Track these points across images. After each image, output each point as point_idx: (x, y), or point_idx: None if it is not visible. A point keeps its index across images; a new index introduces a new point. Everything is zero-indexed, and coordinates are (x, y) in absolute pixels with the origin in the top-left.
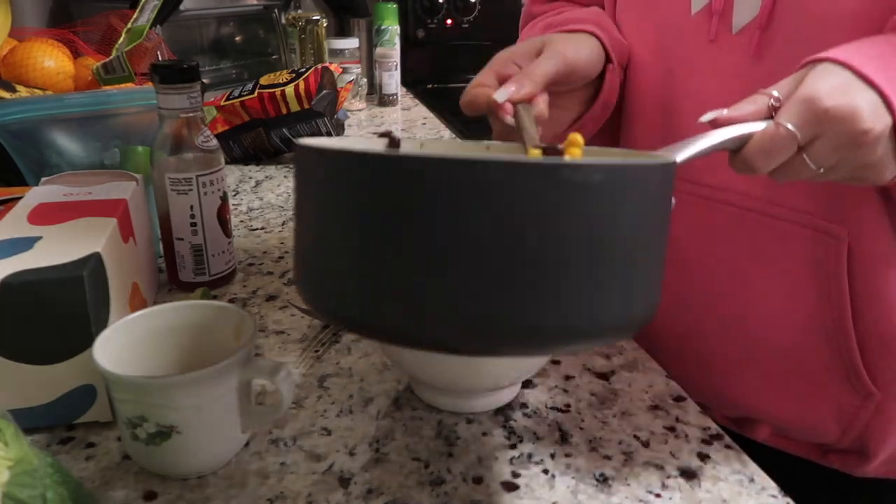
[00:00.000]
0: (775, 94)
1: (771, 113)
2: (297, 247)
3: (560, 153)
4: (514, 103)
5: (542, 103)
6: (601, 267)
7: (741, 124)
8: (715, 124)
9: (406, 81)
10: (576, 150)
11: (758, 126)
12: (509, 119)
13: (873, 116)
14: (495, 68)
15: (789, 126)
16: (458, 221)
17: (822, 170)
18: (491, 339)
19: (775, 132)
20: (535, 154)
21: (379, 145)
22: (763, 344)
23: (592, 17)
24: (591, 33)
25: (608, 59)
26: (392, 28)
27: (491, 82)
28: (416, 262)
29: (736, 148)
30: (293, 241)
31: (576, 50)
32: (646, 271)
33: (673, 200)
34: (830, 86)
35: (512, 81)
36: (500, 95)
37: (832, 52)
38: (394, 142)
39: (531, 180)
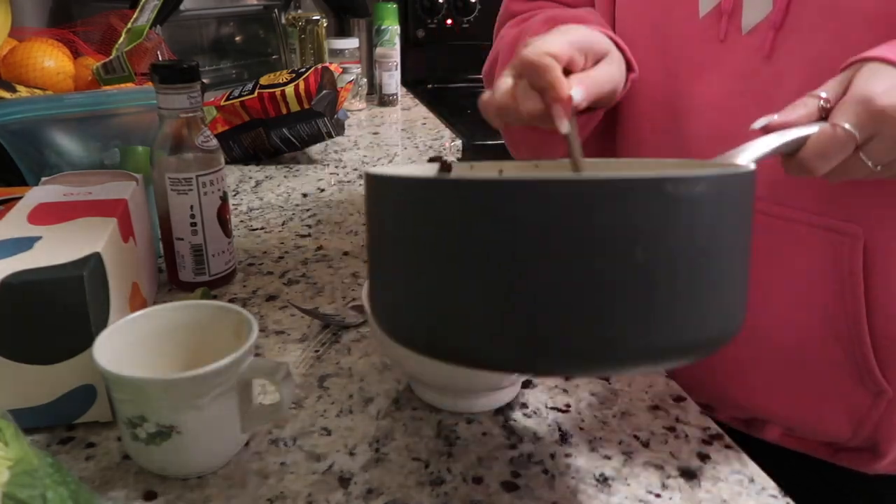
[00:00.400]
0: (823, 95)
1: (821, 115)
2: (387, 279)
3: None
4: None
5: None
6: (705, 277)
7: (795, 128)
8: (767, 130)
9: (406, 81)
10: None
11: (812, 128)
12: (566, 127)
13: None
14: (571, 49)
15: (846, 126)
16: (566, 243)
17: (879, 167)
18: (596, 361)
19: (833, 133)
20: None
21: (430, 170)
22: (773, 345)
23: (596, 19)
24: (619, 47)
25: (630, 69)
26: (392, 28)
27: (562, 58)
28: (524, 289)
29: (790, 151)
30: (380, 275)
31: (620, 72)
32: (738, 279)
33: None
34: (884, 85)
35: (582, 82)
36: (577, 94)
37: (877, 52)
38: (445, 166)
39: (635, 197)
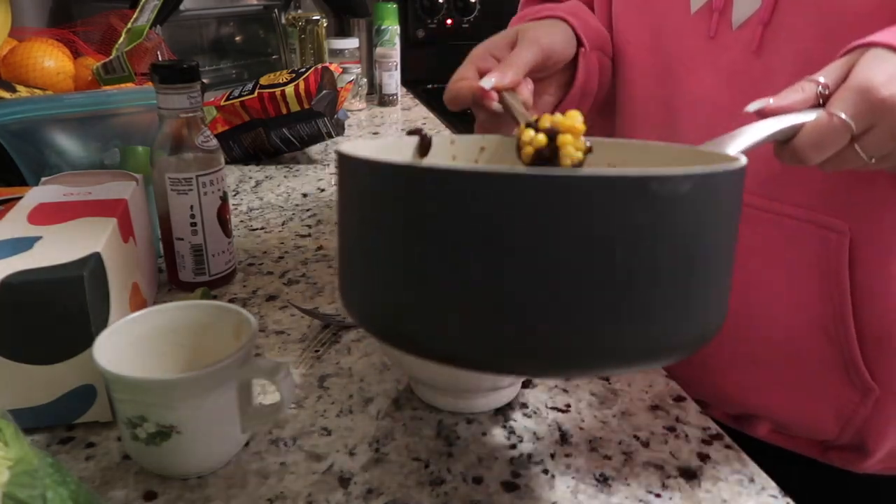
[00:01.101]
0: (822, 80)
1: (819, 100)
2: (359, 263)
3: (554, 131)
4: (500, 91)
5: (525, 91)
6: (687, 278)
7: (791, 114)
8: (762, 114)
9: (406, 81)
10: (568, 140)
11: (808, 116)
12: (496, 105)
13: None
14: (474, 62)
15: (843, 116)
16: (542, 241)
17: (873, 160)
18: (571, 363)
19: (829, 123)
20: (527, 133)
21: (409, 144)
22: (762, 341)
23: (566, 6)
24: (561, 18)
25: (580, 44)
26: (392, 28)
27: (472, 75)
28: (502, 287)
29: (784, 139)
30: (350, 258)
31: (549, 35)
32: (721, 279)
33: None
34: (886, 74)
35: (494, 71)
36: (486, 83)
37: (881, 37)
38: (425, 140)
39: (618, 194)
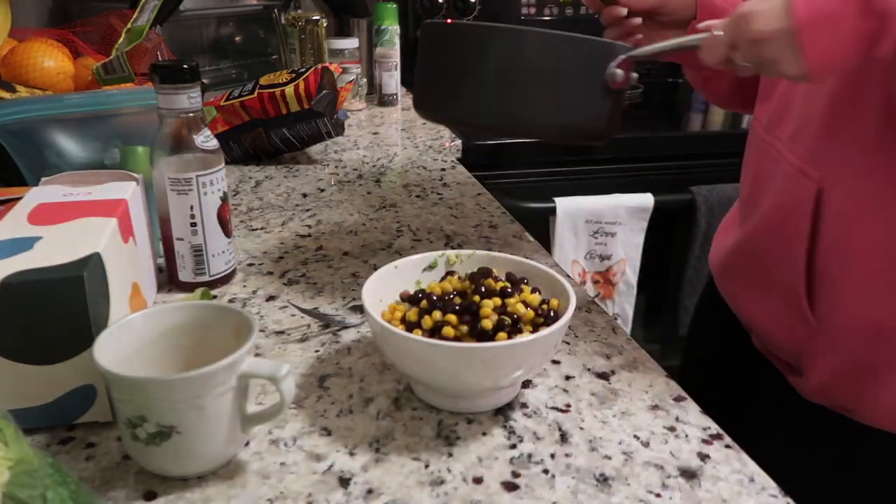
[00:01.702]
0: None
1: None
2: (430, 71)
3: None
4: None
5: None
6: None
7: (693, 35)
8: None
9: (406, 81)
10: None
11: (705, 35)
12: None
13: (767, 20)
14: None
15: (715, 32)
16: (494, 59)
17: (749, 64)
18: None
19: (711, 35)
20: None
21: None
22: (753, 255)
23: None
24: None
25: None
26: (392, 28)
27: None
28: (474, 77)
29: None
30: (424, 70)
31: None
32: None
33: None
34: (752, 5)
35: None
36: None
37: None
38: None
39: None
